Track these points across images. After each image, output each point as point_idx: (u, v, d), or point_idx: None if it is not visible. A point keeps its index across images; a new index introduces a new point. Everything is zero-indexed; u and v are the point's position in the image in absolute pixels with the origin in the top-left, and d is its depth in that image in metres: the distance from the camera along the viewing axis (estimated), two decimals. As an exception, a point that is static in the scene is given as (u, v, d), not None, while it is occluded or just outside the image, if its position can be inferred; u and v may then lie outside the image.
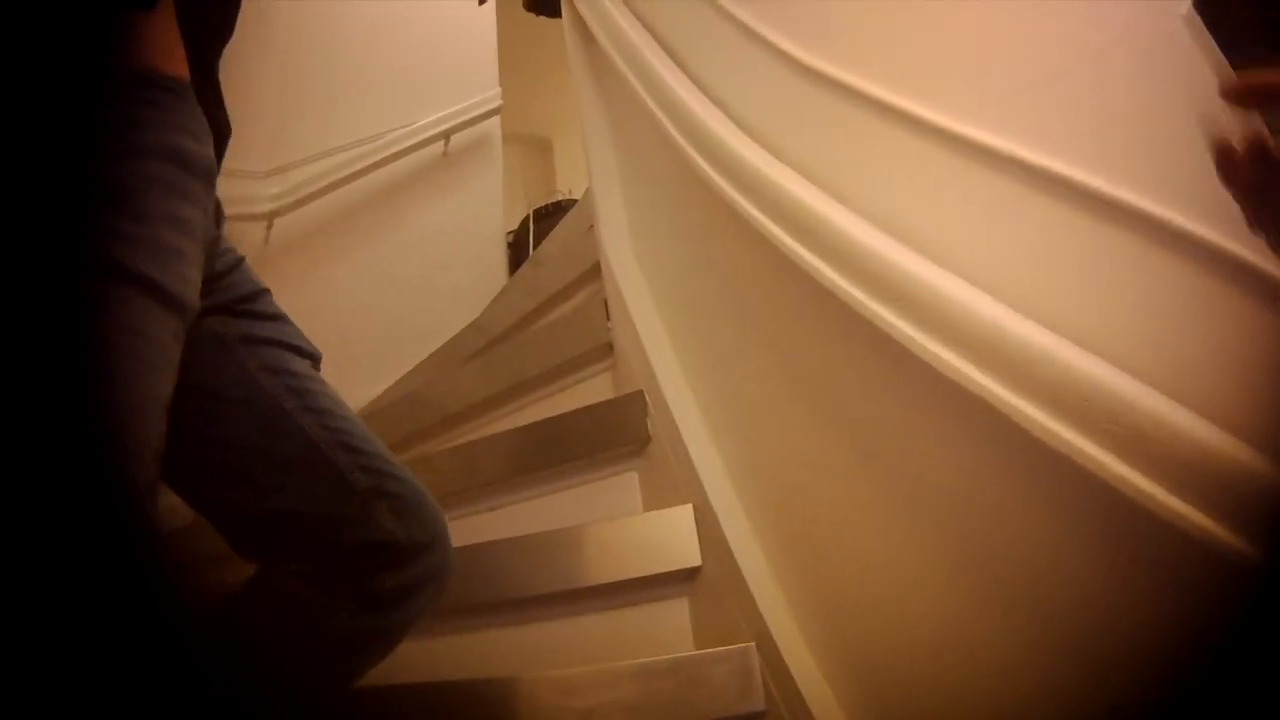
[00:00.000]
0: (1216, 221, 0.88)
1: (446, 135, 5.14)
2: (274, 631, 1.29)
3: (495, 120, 5.46)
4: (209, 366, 1.32)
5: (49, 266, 0.97)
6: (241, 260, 1.45)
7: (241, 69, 1.45)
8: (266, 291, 1.46)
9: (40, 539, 0.88)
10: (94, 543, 0.91)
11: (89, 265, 0.98)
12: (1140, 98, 1.00)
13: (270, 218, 4.40)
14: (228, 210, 1.43)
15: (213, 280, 1.35)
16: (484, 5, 4.89)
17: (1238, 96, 0.73)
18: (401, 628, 1.37)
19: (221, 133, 1.38)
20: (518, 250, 6.14)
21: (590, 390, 2.81)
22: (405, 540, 1.33)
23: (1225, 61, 0.94)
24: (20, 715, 0.85)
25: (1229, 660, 0.80)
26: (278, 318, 1.43)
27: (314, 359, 1.45)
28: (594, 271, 3.15)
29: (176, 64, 1.19)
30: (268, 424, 1.33)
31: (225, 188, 1.42)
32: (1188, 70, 0.96)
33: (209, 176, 1.18)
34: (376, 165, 4.82)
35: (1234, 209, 0.87)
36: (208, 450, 1.33)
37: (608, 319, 2.74)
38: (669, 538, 1.95)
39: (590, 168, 2.89)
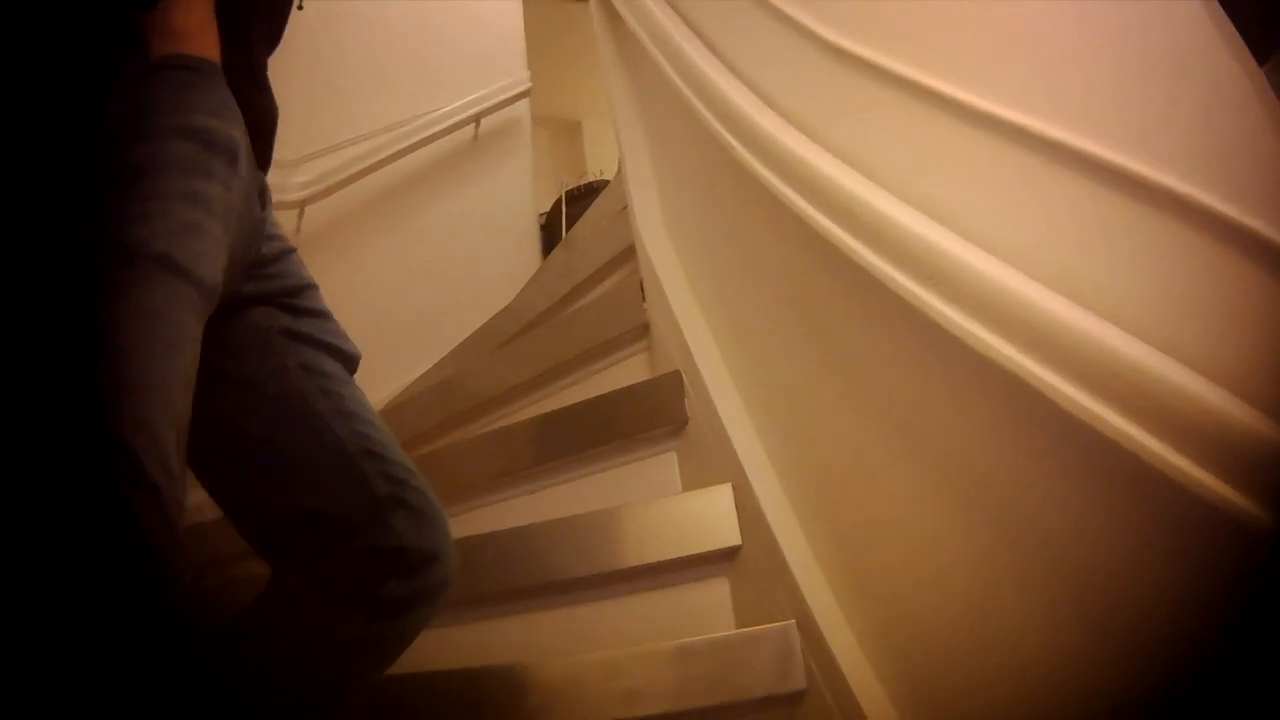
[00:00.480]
0: (1240, 200, 0.88)
1: (476, 119, 5.16)
2: (287, 637, 1.30)
3: (524, 103, 5.48)
4: (248, 359, 1.34)
5: (60, 249, 0.97)
6: (292, 251, 1.46)
7: (272, 59, 1.45)
8: (314, 287, 1.47)
9: (35, 519, 0.89)
10: (92, 533, 0.91)
11: (101, 245, 0.99)
12: (1161, 77, 1.00)
13: (302, 205, 4.42)
14: (269, 200, 1.45)
15: (258, 266, 1.36)
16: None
17: None
18: (408, 635, 1.38)
19: (264, 119, 1.39)
20: (550, 233, 6.15)
21: (627, 372, 2.82)
22: (416, 550, 1.35)
23: (1241, 41, 0.94)
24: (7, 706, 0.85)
25: (1252, 631, 0.80)
26: (323, 314, 1.45)
27: (352, 361, 1.46)
28: (628, 253, 3.15)
29: (203, 46, 1.21)
30: (299, 422, 1.35)
31: (256, 176, 1.44)
32: (1206, 51, 0.96)
33: (231, 155, 1.18)
34: (406, 151, 4.84)
35: (1257, 188, 0.87)
36: (236, 441, 1.35)
37: (643, 300, 2.74)
38: (708, 517, 1.95)
39: (621, 149, 2.89)
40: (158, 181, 1.05)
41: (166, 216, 1.04)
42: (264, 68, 1.41)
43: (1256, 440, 0.79)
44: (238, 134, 1.22)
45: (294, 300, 1.40)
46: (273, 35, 1.45)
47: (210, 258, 1.09)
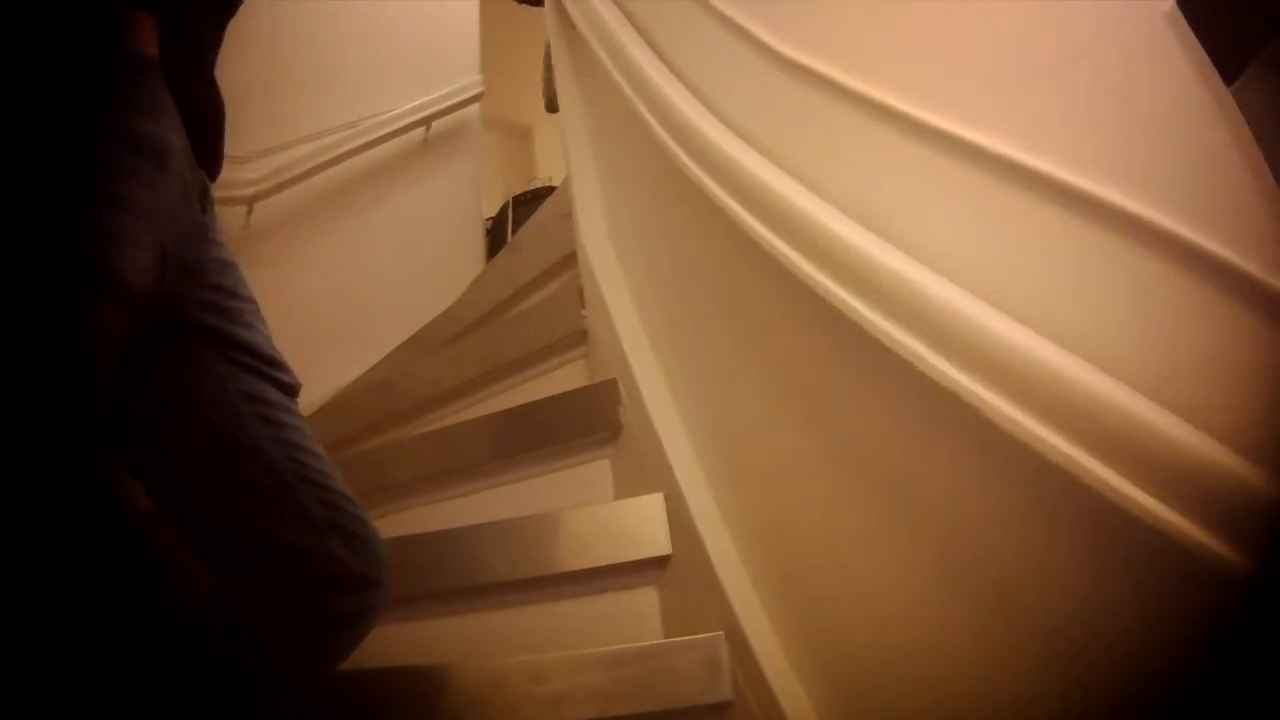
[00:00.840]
0: (1198, 223, 0.88)
1: (427, 121, 5.14)
2: (233, 639, 1.31)
3: (476, 107, 5.47)
4: (189, 386, 1.34)
5: None
6: (233, 266, 1.45)
7: (224, 54, 1.43)
8: (252, 301, 1.46)
9: None
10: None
11: (18, 248, 0.98)
12: (1121, 96, 1.00)
13: (250, 202, 4.39)
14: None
15: (200, 280, 1.35)
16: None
17: None
18: (345, 647, 1.41)
19: (211, 113, 1.38)
20: (496, 237, 6.14)
21: (564, 378, 2.82)
22: (356, 572, 1.37)
23: (1208, 60, 0.95)
24: None
25: (1209, 663, 0.81)
26: (263, 346, 1.44)
27: (293, 389, 1.46)
28: (570, 259, 3.16)
29: (137, 41, 1.19)
30: (240, 449, 1.35)
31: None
32: (1169, 69, 0.96)
33: (160, 156, 1.17)
34: (357, 150, 4.82)
35: (1216, 210, 0.88)
36: (176, 466, 1.36)
37: (582, 306, 2.74)
38: (640, 525, 1.95)
39: (568, 155, 2.89)
40: (85, 183, 1.04)
41: (92, 221, 1.02)
42: (211, 62, 1.39)
43: (1207, 466, 0.79)
44: (170, 134, 1.20)
45: (236, 329, 1.40)
46: (219, 27, 1.44)
47: (131, 261, 1.08)
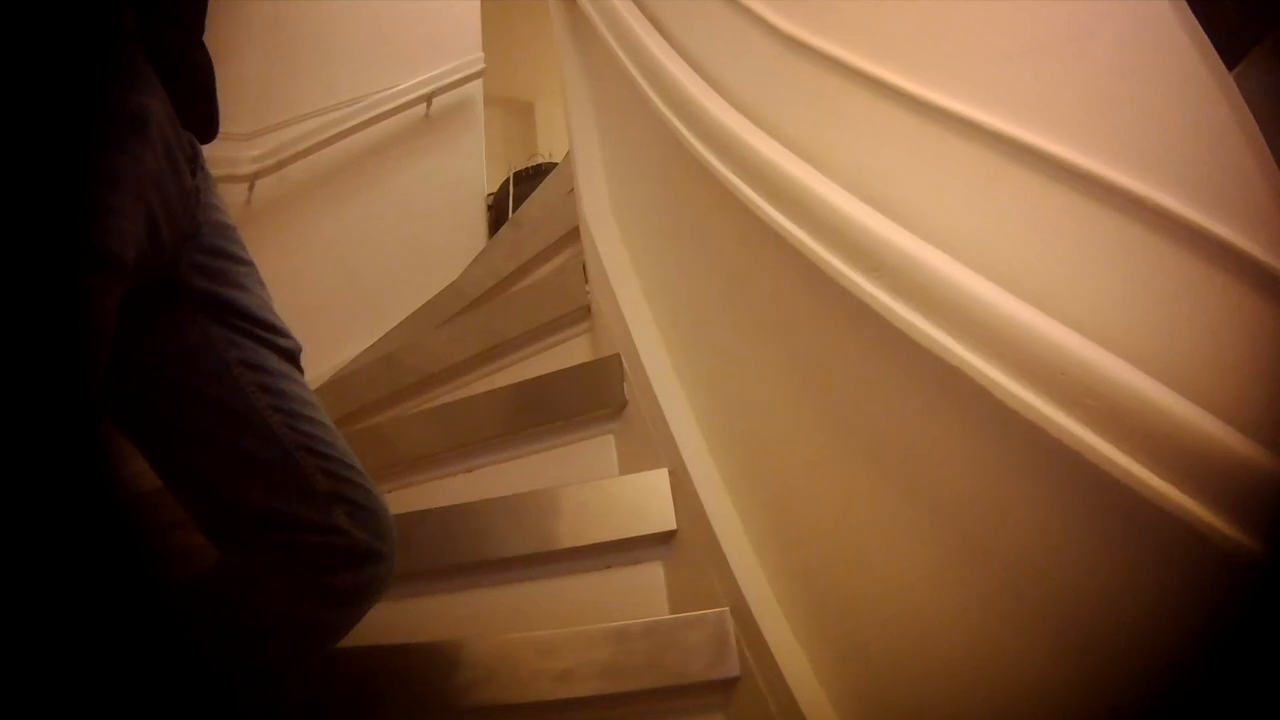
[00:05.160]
0: (1202, 203, 0.88)
1: (429, 98, 5.14)
2: (236, 615, 1.30)
3: (478, 83, 5.46)
4: (187, 359, 1.33)
5: None
6: (231, 228, 1.43)
7: (226, 32, 1.43)
8: (251, 263, 1.45)
9: None
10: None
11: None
12: (1124, 76, 1.00)
13: (252, 179, 4.40)
14: (211, 172, 1.42)
15: (196, 243, 1.34)
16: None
17: None
18: (351, 622, 1.40)
19: (198, 73, 1.36)
20: (498, 213, 6.11)
21: (568, 353, 2.82)
22: (360, 544, 1.36)
23: (1209, 43, 0.95)
24: None
25: (1219, 646, 0.81)
26: (262, 311, 1.42)
27: (293, 354, 1.45)
28: (574, 234, 3.16)
29: (111, 8, 1.16)
30: (238, 420, 1.34)
31: (207, 149, 1.41)
32: (1172, 53, 0.96)
33: (139, 123, 1.15)
34: (358, 127, 4.83)
35: (1219, 191, 0.88)
36: (176, 439, 1.35)
37: (586, 282, 2.74)
38: (645, 501, 1.95)
39: (571, 131, 2.88)
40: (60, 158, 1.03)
41: (72, 195, 1.01)
42: (194, 20, 1.37)
43: (1216, 448, 0.79)
44: (149, 100, 1.18)
45: (232, 293, 1.38)
46: None
47: (117, 232, 1.07)
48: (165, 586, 1.26)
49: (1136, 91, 0.98)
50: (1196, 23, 0.96)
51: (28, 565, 0.89)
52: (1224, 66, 0.94)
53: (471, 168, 5.38)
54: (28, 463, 0.91)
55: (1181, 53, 0.95)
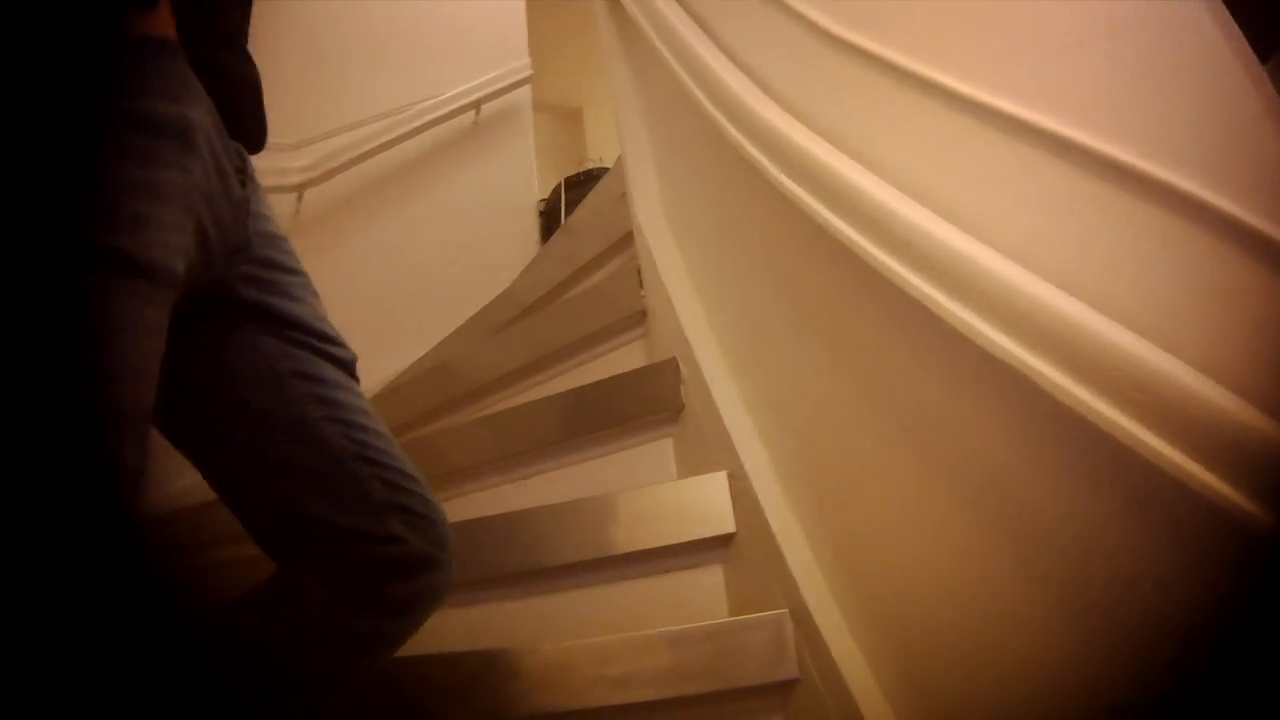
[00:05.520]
0: (1239, 196, 0.88)
1: (477, 105, 5.15)
2: (289, 630, 1.30)
3: (525, 89, 5.48)
4: (239, 372, 1.32)
5: (6, 247, 0.95)
6: (282, 239, 1.43)
7: (272, 41, 1.43)
8: (303, 273, 1.45)
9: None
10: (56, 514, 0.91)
11: (47, 242, 0.97)
12: (1161, 71, 1.00)
13: (301, 189, 4.42)
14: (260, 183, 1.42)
15: (247, 254, 1.34)
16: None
17: None
18: (408, 632, 1.39)
19: (243, 85, 1.36)
20: (549, 219, 6.14)
21: (623, 359, 2.82)
22: (418, 553, 1.35)
23: (1243, 39, 0.94)
24: None
25: (1252, 632, 0.80)
26: (315, 320, 1.42)
27: (348, 364, 1.44)
28: (626, 240, 3.16)
29: (153, 22, 1.15)
30: (293, 432, 1.33)
31: (255, 159, 1.41)
32: (1205, 47, 0.95)
33: (183, 137, 1.14)
34: (406, 136, 4.83)
35: (1253, 182, 0.87)
36: (232, 453, 1.34)
37: (640, 287, 2.74)
38: (703, 505, 1.95)
39: (621, 136, 2.88)
40: (102, 173, 1.03)
41: (113, 211, 1.02)
42: (237, 29, 1.36)
43: (1254, 437, 0.79)
44: (192, 112, 1.17)
45: (284, 303, 1.38)
46: None
47: (165, 245, 1.06)
48: (174, 606, 1.25)
49: (1173, 86, 0.99)
50: (1229, 17, 0.96)
51: (27, 577, 0.89)
52: (1257, 60, 0.93)
53: (522, 174, 5.39)
54: (47, 483, 0.91)
55: (1215, 47, 0.95)
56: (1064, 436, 0.99)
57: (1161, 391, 0.85)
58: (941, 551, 1.28)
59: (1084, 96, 1.05)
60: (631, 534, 1.97)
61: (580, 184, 6.29)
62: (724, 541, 1.95)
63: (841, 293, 1.47)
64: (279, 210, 1.45)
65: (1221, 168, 0.91)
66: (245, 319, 1.34)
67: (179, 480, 1.37)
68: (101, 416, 0.96)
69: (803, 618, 1.60)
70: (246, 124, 1.37)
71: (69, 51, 1.05)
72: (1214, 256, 0.89)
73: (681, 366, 2.29)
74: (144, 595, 1.02)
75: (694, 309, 2.33)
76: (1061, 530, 1.03)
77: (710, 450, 2.05)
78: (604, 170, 6.06)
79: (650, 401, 2.34)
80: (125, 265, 1.00)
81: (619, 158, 3.27)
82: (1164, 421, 0.85)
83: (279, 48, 4.51)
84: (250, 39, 1.39)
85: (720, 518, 1.93)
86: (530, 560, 2.03)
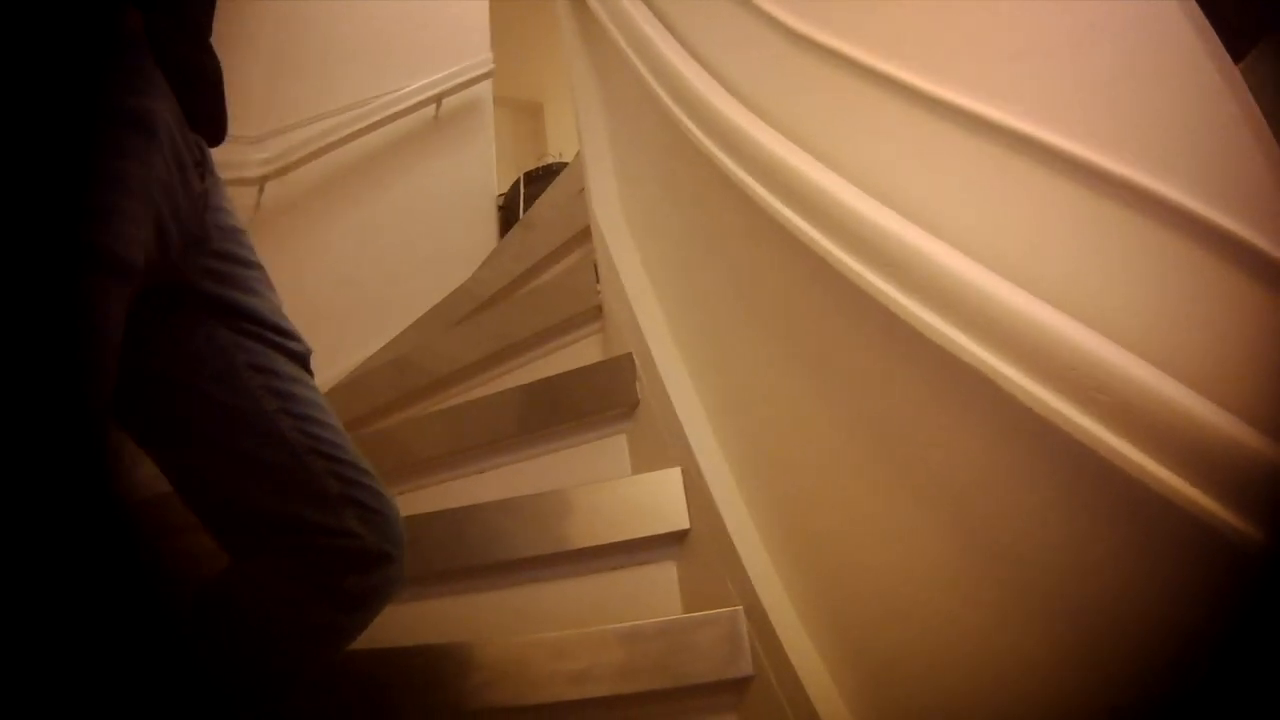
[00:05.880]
0: (1210, 197, 0.88)
1: (438, 100, 5.14)
2: (246, 621, 1.30)
3: (487, 84, 5.47)
4: (195, 364, 1.32)
5: None
6: (240, 231, 1.43)
7: (233, 35, 1.42)
8: (259, 267, 1.45)
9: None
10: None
11: (11, 232, 0.96)
12: (1131, 72, 1.00)
13: (261, 182, 4.40)
14: (220, 176, 1.42)
15: (205, 246, 1.34)
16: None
17: None
18: (363, 625, 1.39)
19: (205, 76, 1.36)
20: (508, 213, 6.12)
21: (580, 353, 2.82)
22: (371, 548, 1.35)
23: (1218, 40, 0.95)
24: None
25: (1235, 649, 0.80)
26: (270, 314, 1.42)
27: (303, 357, 1.45)
28: (584, 235, 3.16)
29: (116, 14, 1.16)
30: (247, 424, 1.33)
31: (216, 152, 1.41)
32: (1177, 45, 0.96)
33: (147, 129, 1.14)
34: (367, 129, 4.82)
35: (1227, 185, 0.87)
36: (185, 443, 1.34)
37: (597, 282, 2.75)
38: (657, 500, 1.95)
39: (581, 131, 2.88)
40: (68, 164, 1.02)
41: (81, 201, 1.01)
42: (201, 23, 1.36)
43: (1218, 437, 0.79)
44: (156, 104, 1.18)
45: (241, 296, 1.38)
46: None
47: (126, 237, 1.06)
48: (170, 592, 1.25)
49: (1143, 87, 0.99)
50: (1203, 17, 0.96)
51: (28, 572, 0.88)
52: (1231, 61, 0.94)
53: (482, 169, 5.39)
54: (28, 468, 0.91)
55: (1189, 47, 0.95)
56: (1028, 439, 0.99)
57: (1127, 394, 0.86)
58: (902, 553, 1.29)
59: (1052, 97, 1.06)
60: (586, 529, 1.97)
61: (540, 179, 6.28)
62: (678, 538, 1.95)
63: (801, 292, 1.47)
64: (239, 203, 1.45)
65: (1193, 168, 0.91)
66: (202, 312, 1.33)
67: (134, 472, 1.36)
68: (75, 408, 0.96)
69: (757, 615, 1.60)
70: (207, 117, 1.37)
71: (35, 45, 1.05)
72: (1185, 258, 0.89)
73: (637, 362, 2.29)
74: (137, 586, 1.02)
75: (651, 305, 2.33)
76: (1027, 535, 1.04)
77: (665, 446, 2.05)
78: (563, 165, 6.05)
79: (605, 397, 2.34)
80: (90, 258, 1.00)
81: (578, 153, 3.27)
82: (1131, 425, 0.85)
83: (242, 41, 4.50)
84: (214, 32, 1.39)
85: (674, 514, 1.93)
86: (485, 554, 2.03)
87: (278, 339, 1.40)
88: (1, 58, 1.02)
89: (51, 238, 0.97)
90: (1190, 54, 0.95)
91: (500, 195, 5.82)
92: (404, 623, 1.74)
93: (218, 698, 1.22)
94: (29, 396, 0.92)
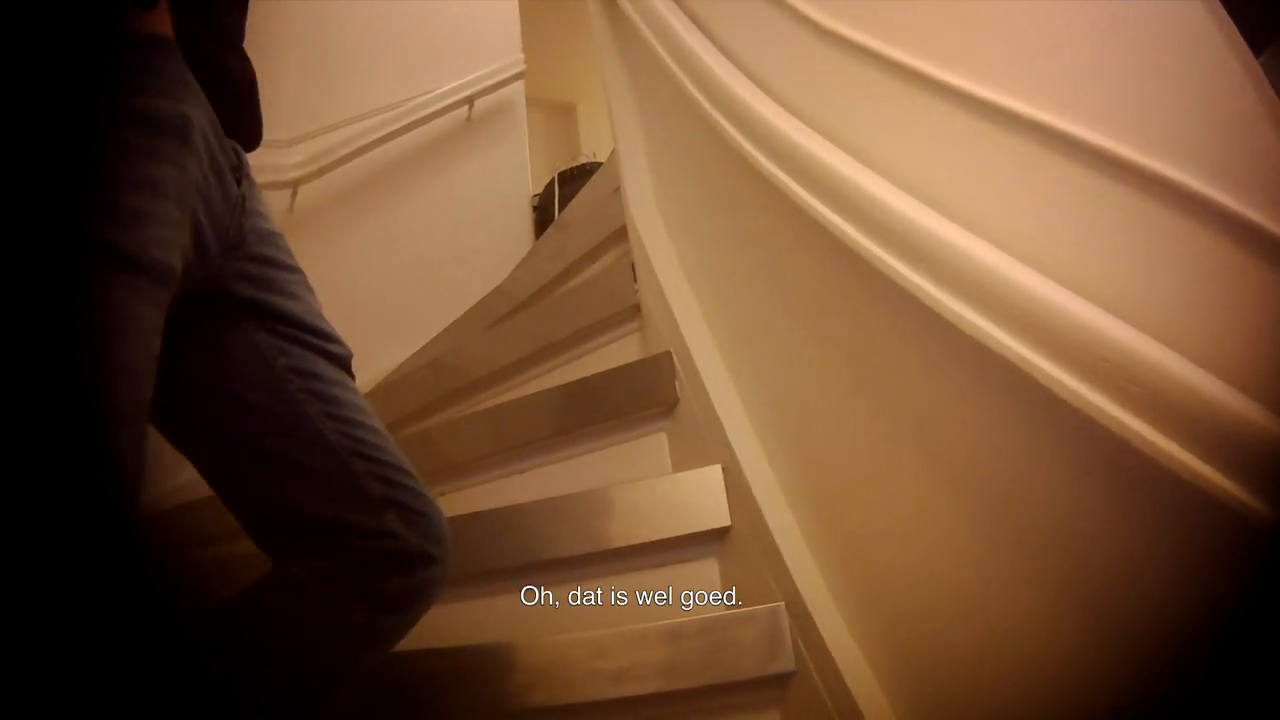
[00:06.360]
0: (1234, 188, 0.88)
1: (470, 101, 5.15)
2: (286, 626, 1.30)
3: (519, 85, 5.48)
4: (235, 368, 1.32)
5: (6, 243, 0.95)
6: (277, 235, 1.43)
7: (267, 39, 1.43)
8: (299, 270, 1.45)
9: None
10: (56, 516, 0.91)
11: (48, 238, 0.97)
12: (1157, 65, 1.00)
13: (295, 185, 4.42)
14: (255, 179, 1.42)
15: (242, 251, 1.34)
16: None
17: None
18: (405, 627, 1.39)
19: (239, 82, 1.37)
20: (543, 214, 6.12)
21: (618, 353, 2.82)
22: (414, 548, 1.36)
23: (1238, 32, 0.94)
24: None
25: (1252, 626, 0.80)
26: (309, 317, 1.42)
27: (344, 360, 1.45)
28: (620, 234, 3.16)
29: (149, 21, 1.16)
30: (289, 427, 1.33)
31: (250, 156, 1.42)
32: (1200, 41, 0.96)
33: (181, 133, 1.14)
34: (400, 132, 4.84)
35: (1248, 175, 0.87)
36: (228, 450, 1.34)
37: (634, 281, 2.74)
38: (698, 498, 1.95)
39: (615, 131, 2.88)
40: (102, 169, 1.03)
41: (113, 205, 1.02)
42: (234, 28, 1.37)
43: (1245, 425, 0.79)
44: (190, 110, 1.17)
45: (279, 300, 1.38)
46: None
47: (162, 242, 1.07)
48: (170, 599, 1.25)
49: (1168, 80, 0.99)
50: (1223, 10, 0.96)
51: (28, 575, 0.89)
52: (1252, 54, 0.93)
53: (515, 170, 5.39)
54: (28, 468, 0.91)
55: (1210, 40, 0.96)
56: (1062, 431, 0.99)
57: (1156, 384, 0.86)
58: (941, 548, 1.29)
59: (1079, 90, 1.06)
60: (626, 528, 1.97)
61: (574, 179, 6.28)
62: (719, 535, 1.95)
63: (836, 288, 1.47)
64: (274, 207, 1.45)
65: (1216, 161, 0.91)
66: (241, 316, 1.34)
67: (176, 477, 1.36)
68: (102, 414, 0.96)
69: (798, 610, 1.60)
70: (242, 121, 1.38)
71: (70, 49, 1.05)
72: (1209, 248, 0.90)
73: (676, 360, 2.29)
74: (144, 593, 1.02)
75: (689, 304, 2.33)
76: (1065, 526, 1.03)
77: (705, 444, 2.05)
78: (597, 165, 6.05)
79: (645, 395, 2.34)
80: (125, 262, 1.00)
81: (612, 152, 3.27)
82: (1163, 416, 0.85)
83: (275, 45, 4.52)
84: (246, 37, 1.40)
85: (715, 511, 1.93)
86: (526, 554, 2.03)
87: (318, 342, 1.40)
88: (39, 66, 1.03)
89: (60, 237, 0.97)
90: (1213, 47, 0.95)
91: (535, 196, 5.83)
92: (444, 623, 1.74)
93: (222, 705, 1.22)
94: (29, 396, 0.92)
